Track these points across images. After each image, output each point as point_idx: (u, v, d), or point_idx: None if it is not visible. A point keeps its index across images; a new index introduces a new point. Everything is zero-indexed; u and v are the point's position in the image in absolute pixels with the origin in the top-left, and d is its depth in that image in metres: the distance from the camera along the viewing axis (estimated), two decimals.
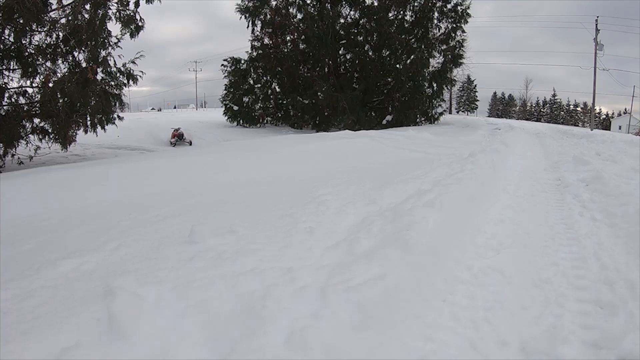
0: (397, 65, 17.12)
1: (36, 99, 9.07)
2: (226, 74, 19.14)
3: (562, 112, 61.95)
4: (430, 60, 17.51)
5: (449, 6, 17.11)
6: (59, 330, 1.60)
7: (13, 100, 8.99)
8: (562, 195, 4.59)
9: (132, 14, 9.50)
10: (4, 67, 8.69)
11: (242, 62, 18.99)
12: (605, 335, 1.78)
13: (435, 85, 18.01)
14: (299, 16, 18.06)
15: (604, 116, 63.38)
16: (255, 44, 18.85)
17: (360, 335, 1.71)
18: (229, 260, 2.30)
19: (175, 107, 54.09)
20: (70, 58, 9.14)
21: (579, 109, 62.35)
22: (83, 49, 9.01)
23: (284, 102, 18.68)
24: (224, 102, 19.67)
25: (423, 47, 17.08)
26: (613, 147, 10.27)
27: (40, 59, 8.88)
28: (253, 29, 18.55)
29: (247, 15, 18.03)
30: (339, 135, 9.95)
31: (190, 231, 2.68)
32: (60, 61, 9.12)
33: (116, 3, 9.33)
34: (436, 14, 17.32)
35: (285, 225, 2.98)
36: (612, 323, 1.86)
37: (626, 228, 3.14)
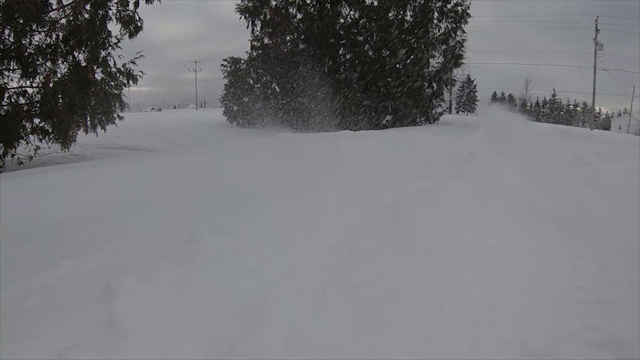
0: (397, 65, 17.11)
1: (36, 99, 9.06)
2: (226, 74, 19.14)
3: (562, 112, 61.94)
4: (430, 60, 17.49)
5: (449, 6, 17.08)
6: (59, 330, 1.60)
7: (13, 100, 8.98)
8: (561, 195, 4.58)
9: (131, 14, 9.50)
10: (4, 67, 8.68)
11: (242, 62, 18.99)
12: (605, 334, 1.78)
13: (435, 85, 17.99)
14: (299, 16, 18.05)
15: (604, 116, 63.37)
16: (255, 44, 18.85)
17: (360, 335, 1.71)
18: (229, 260, 2.30)
19: (175, 107, 54.09)
20: (70, 58, 9.13)
21: (578, 109, 62.35)
22: (83, 49, 9.00)
23: (284, 102, 18.67)
24: (224, 102, 19.68)
25: (423, 47, 17.06)
26: (613, 147, 10.26)
27: (40, 59, 8.87)
28: (253, 29, 18.54)
29: (247, 15, 18.02)
30: (338, 135, 9.95)
31: (190, 231, 2.68)
32: (60, 61, 9.11)
33: (116, 3, 9.33)
34: (436, 14, 17.30)
35: (285, 225, 2.98)
36: (612, 322, 1.86)
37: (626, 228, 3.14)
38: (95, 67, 9.20)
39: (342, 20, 18.23)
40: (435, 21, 17.50)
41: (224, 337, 1.62)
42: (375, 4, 17.68)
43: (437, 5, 17.21)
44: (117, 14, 9.40)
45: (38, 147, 9.49)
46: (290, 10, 18.17)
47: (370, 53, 17.91)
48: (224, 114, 19.74)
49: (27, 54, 8.70)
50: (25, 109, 9.01)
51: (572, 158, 7.25)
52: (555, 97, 62.72)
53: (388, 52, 17.60)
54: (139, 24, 9.67)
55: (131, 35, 9.67)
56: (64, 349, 1.47)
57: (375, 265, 2.20)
